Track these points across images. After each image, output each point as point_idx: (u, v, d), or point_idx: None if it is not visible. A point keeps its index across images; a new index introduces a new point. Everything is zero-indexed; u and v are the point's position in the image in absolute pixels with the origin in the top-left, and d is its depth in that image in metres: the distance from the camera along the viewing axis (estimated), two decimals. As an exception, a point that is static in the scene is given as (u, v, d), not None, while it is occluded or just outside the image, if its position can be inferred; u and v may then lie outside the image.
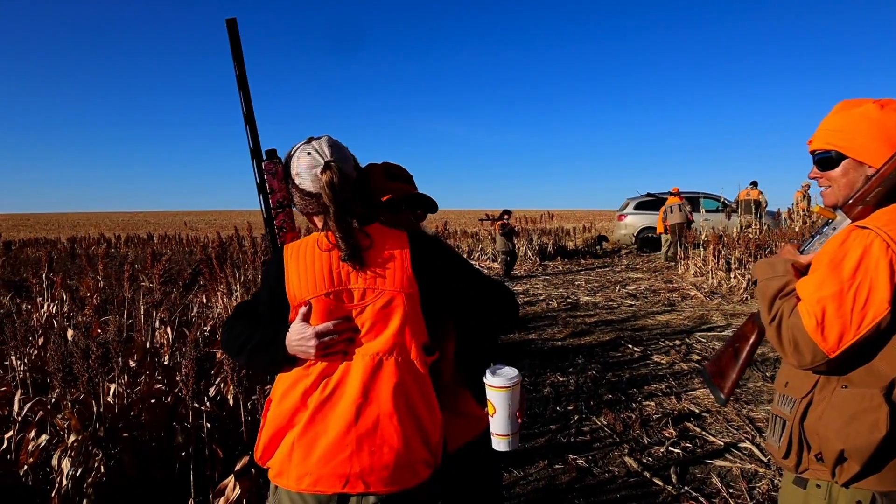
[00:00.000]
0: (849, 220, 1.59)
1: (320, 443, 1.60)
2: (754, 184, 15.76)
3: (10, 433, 3.29)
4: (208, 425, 3.27)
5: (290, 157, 1.73)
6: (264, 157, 1.85)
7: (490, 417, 1.71)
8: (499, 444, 1.72)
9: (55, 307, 5.78)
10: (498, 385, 1.67)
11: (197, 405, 2.90)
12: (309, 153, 1.67)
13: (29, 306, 5.70)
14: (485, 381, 1.70)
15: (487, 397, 1.70)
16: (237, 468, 3.01)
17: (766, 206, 15.71)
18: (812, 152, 1.70)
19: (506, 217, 14.05)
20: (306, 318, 1.62)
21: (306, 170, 1.67)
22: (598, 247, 19.61)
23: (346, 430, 1.59)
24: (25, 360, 3.73)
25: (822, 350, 1.43)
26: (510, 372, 1.70)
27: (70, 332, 4.08)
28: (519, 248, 16.65)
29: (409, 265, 1.62)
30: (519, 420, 1.72)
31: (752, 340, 1.80)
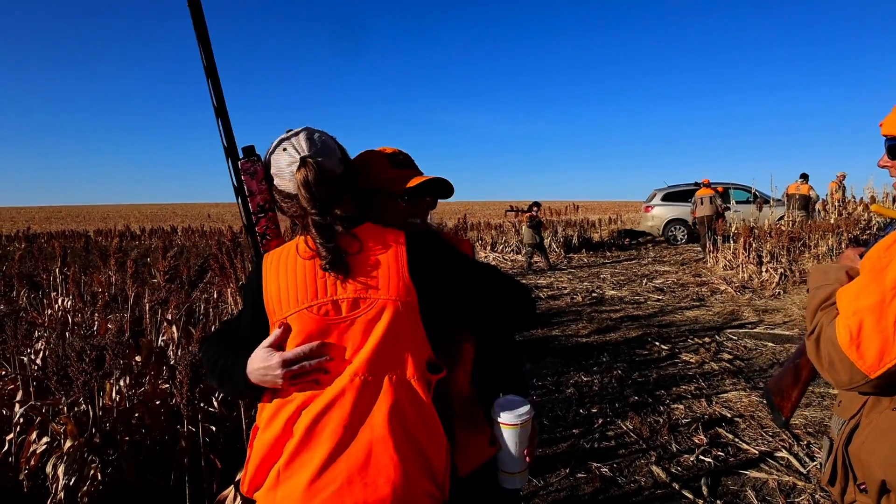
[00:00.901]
0: None
1: (305, 474, 1.37)
2: (804, 177, 14.98)
3: (11, 435, 3.19)
4: (211, 430, 3.12)
5: (269, 154, 1.54)
6: (240, 156, 1.65)
7: (497, 452, 1.54)
8: (505, 480, 1.54)
9: (69, 302, 5.70)
10: (506, 422, 1.49)
11: (193, 412, 2.72)
12: (285, 149, 1.48)
13: (45, 301, 5.61)
14: (492, 415, 1.52)
15: (494, 432, 1.53)
16: (238, 478, 2.86)
17: (818, 200, 14.90)
18: (884, 137, 1.48)
19: (535, 209, 13.82)
20: (281, 339, 1.41)
21: (285, 168, 1.47)
22: (625, 239, 19.25)
23: (335, 460, 1.37)
24: (27, 360, 3.61)
25: (859, 369, 1.24)
26: (521, 407, 1.52)
27: (70, 332, 3.95)
28: (543, 241, 16.42)
29: (405, 270, 1.39)
30: (528, 459, 1.53)
31: (811, 370, 1.61)
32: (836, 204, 13.77)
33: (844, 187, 14.40)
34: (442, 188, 1.69)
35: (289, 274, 1.44)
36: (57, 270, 6.03)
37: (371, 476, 1.35)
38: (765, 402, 1.70)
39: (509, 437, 1.50)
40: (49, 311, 5.20)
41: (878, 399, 1.33)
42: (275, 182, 1.51)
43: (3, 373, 3.76)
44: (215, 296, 4.32)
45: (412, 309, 1.39)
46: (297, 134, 1.50)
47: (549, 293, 10.33)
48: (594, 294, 10.14)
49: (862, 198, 14.66)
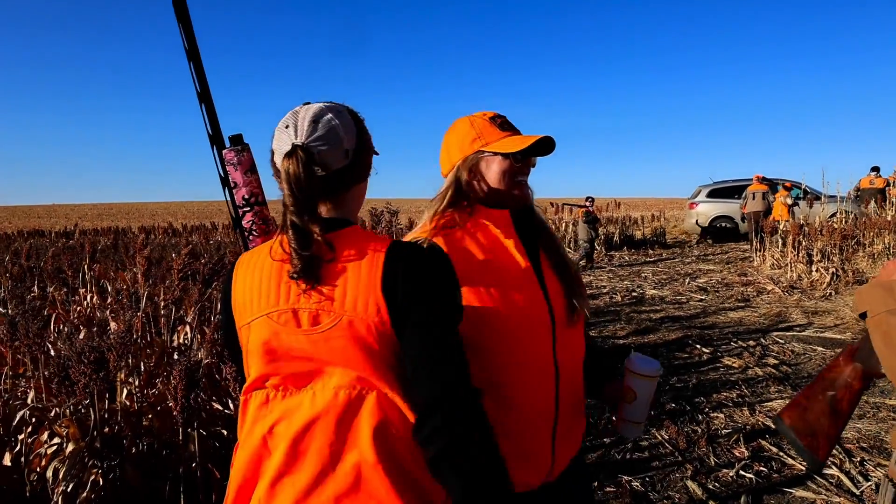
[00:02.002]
0: None
1: (289, 498, 1.22)
2: (876, 169, 14.10)
3: (23, 435, 3.12)
4: (215, 436, 3.00)
5: (276, 129, 1.35)
6: (226, 144, 1.53)
7: (626, 404, 1.63)
8: (631, 430, 1.65)
9: (92, 300, 5.68)
10: (647, 373, 1.59)
11: (189, 418, 2.58)
12: (287, 127, 1.30)
13: (76, 298, 5.61)
14: (630, 367, 1.62)
15: (629, 384, 1.62)
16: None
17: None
18: None
19: (588, 204, 13.52)
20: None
21: (280, 150, 1.29)
22: (662, 238, 18.74)
23: (321, 483, 1.21)
24: (42, 358, 3.54)
25: None
26: (655, 363, 1.63)
27: (83, 331, 3.88)
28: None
29: (378, 285, 1.20)
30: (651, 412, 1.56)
31: (856, 389, 1.35)
32: (894, 200, 13.10)
33: (862, 188, 13.69)
34: (546, 147, 1.60)
35: (255, 276, 1.30)
36: (86, 267, 6.03)
37: (362, 501, 1.19)
38: (784, 438, 1.45)
39: (646, 388, 1.60)
40: (78, 308, 5.19)
41: None
42: (274, 158, 1.34)
43: (21, 371, 3.72)
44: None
45: (384, 326, 1.20)
46: (307, 111, 1.30)
47: (589, 292, 10.03)
48: (634, 293, 9.83)
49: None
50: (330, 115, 1.29)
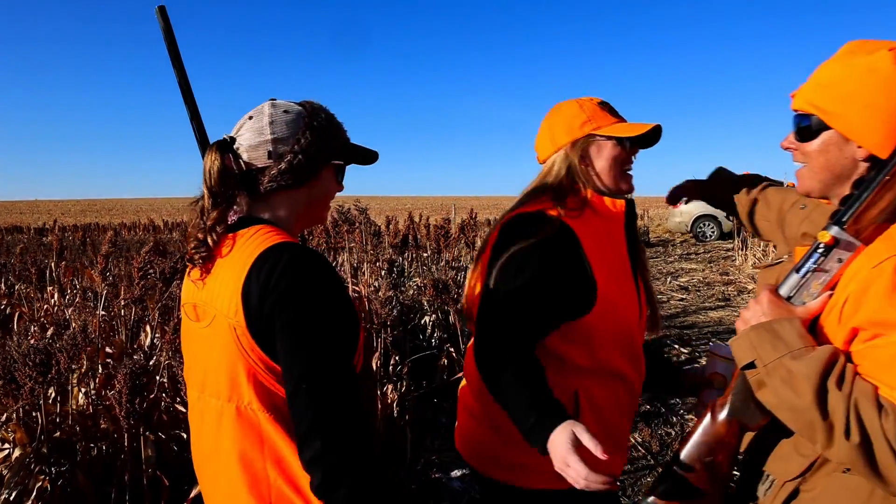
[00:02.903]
0: (855, 242, 1.05)
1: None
2: None
3: (-25, 440, 3.00)
4: (164, 442, 2.90)
5: None
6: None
7: (712, 390, 1.60)
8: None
9: (68, 297, 5.55)
10: (730, 356, 1.41)
11: (134, 423, 2.48)
12: (251, 117, 1.30)
13: (42, 296, 5.47)
14: (718, 352, 1.62)
15: (716, 369, 1.62)
16: (192, 495, 2.62)
17: None
18: (794, 112, 1.18)
19: None
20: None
21: None
22: (646, 236, 18.74)
23: (209, 494, 1.30)
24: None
25: None
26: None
27: (50, 329, 3.76)
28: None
29: (239, 286, 1.14)
30: None
31: (735, 447, 1.23)
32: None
33: None
34: (653, 138, 1.60)
35: (189, 269, 1.32)
36: (52, 264, 5.89)
37: None
38: None
39: (730, 371, 1.53)
40: (45, 307, 5.06)
41: (827, 459, 1.04)
42: None
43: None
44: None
45: (243, 331, 1.15)
46: (259, 107, 1.30)
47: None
48: (615, 292, 9.78)
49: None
50: (269, 113, 1.27)
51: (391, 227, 7.91)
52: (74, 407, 3.08)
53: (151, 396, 3.07)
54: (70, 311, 4.23)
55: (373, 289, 4.01)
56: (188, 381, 1.32)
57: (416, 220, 8.01)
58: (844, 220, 1.06)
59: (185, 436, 3.15)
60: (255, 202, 1.28)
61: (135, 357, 3.33)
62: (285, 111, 1.27)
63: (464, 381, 1.77)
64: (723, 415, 1.22)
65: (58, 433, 2.88)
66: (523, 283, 1.43)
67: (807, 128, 1.15)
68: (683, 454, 1.26)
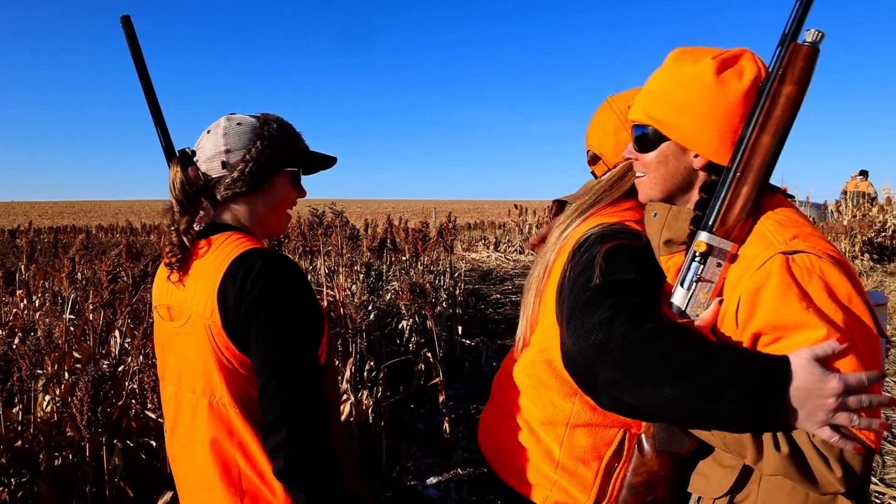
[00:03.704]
0: (728, 244, 1.07)
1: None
2: (864, 173, 14.05)
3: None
4: (131, 451, 2.82)
5: None
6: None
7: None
8: None
9: (38, 301, 5.44)
10: (882, 302, 1.33)
11: (95, 433, 2.41)
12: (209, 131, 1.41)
13: (14, 299, 5.35)
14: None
15: None
16: (160, 505, 2.55)
17: (876, 197, 13.70)
18: (631, 124, 1.21)
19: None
20: None
21: None
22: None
23: (183, 487, 1.41)
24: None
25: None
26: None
27: (19, 334, 3.66)
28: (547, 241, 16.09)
29: (215, 288, 1.26)
30: None
31: (673, 480, 1.18)
32: (850, 204, 13.32)
33: (848, 191, 13.90)
34: None
35: (161, 271, 1.44)
36: (22, 267, 5.77)
37: (206, 500, 1.33)
38: None
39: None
40: (15, 311, 4.94)
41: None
42: None
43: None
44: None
45: (218, 331, 1.27)
46: (217, 122, 1.41)
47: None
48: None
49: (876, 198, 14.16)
50: (224, 126, 1.38)
51: (369, 230, 7.86)
52: (39, 415, 3.00)
53: (120, 403, 3.00)
54: (38, 315, 4.13)
55: (348, 293, 3.96)
56: (162, 376, 1.43)
57: (396, 223, 7.97)
58: (711, 223, 1.08)
59: (154, 444, 3.08)
60: (218, 209, 1.39)
61: (103, 363, 3.26)
62: (238, 123, 1.37)
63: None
64: (651, 448, 1.18)
65: (19, 442, 2.80)
66: (635, 278, 1.14)
67: (644, 138, 1.17)
68: (622, 502, 1.22)
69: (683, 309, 1.10)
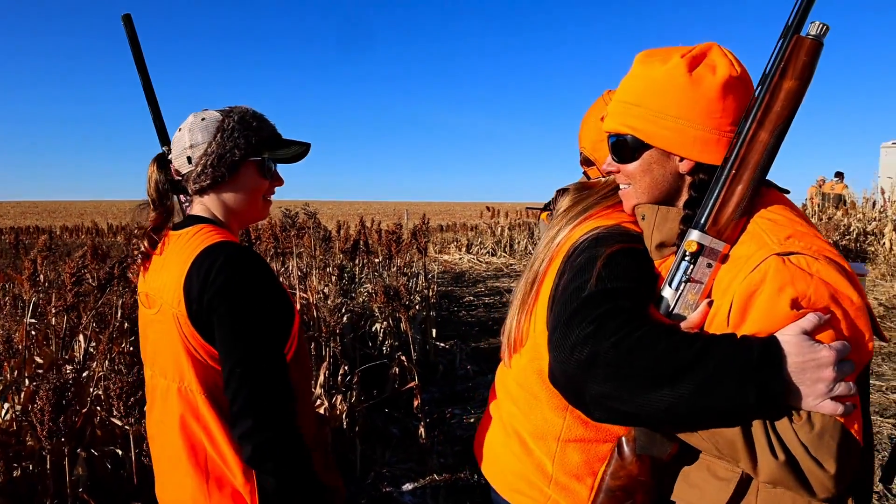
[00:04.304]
0: (719, 244, 1.04)
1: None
2: (840, 175, 14.29)
3: None
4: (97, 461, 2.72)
5: None
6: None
7: None
8: None
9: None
10: (862, 273, 1.18)
11: (56, 445, 2.31)
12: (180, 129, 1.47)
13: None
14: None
15: None
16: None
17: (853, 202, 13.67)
18: (607, 134, 1.18)
19: (552, 206, 13.54)
20: None
21: None
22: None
23: (160, 462, 1.45)
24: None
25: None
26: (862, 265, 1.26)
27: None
28: (518, 243, 16.12)
29: (182, 279, 1.31)
30: None
31: (653, 485, 1.13)
32: (816, 209, 13.56)
33: (823, 193, 14.16)
34: None
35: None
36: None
37: (175, 489, 1.38)
38: None
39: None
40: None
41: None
42: None
43: None
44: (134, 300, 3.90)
45: (185, 321, 1.32)
46: (188, 118, 1.46)
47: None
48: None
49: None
50: (190, 122, 1.43)
51: (342, 232, 7.77)
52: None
53: (84, 410, 2.89)
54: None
55: (321, 296, 3.88)
56: (144, 359, 1.49)
57: (369, 225, 7.90)
58: (703, 222, 1.04)
59: (120, 453, 2.98)
60: (192, 203, 1.46)
61: (66, 368, 3.14)
62: (202, 119, 1.41)
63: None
64: (631, 452, 1.13)
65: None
66: (630, 285, 1.09)
67: (624, 147, 1.13)
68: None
69: (671, 310, 1.06)
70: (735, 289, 0.97)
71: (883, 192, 12.77)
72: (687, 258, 1.04)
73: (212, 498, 1.32)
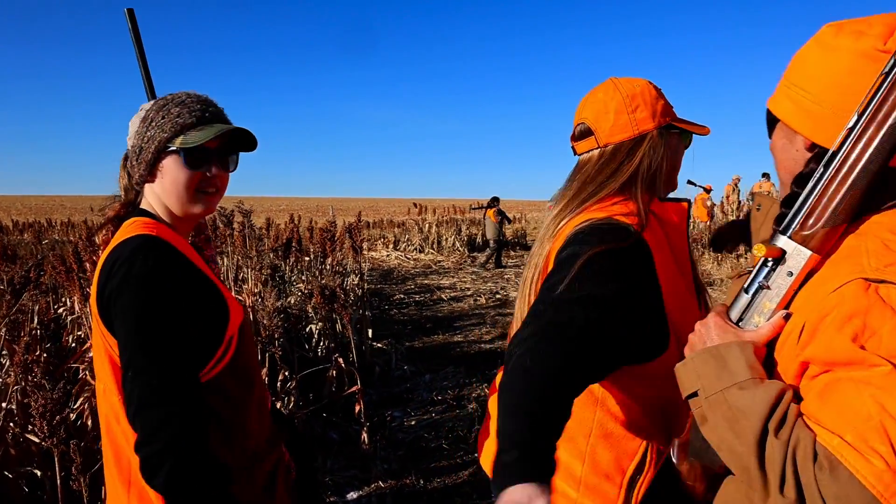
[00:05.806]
0: (805, 252, 0.88)
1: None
2: (766, 176, 14.96)
3: None
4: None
5: None
6: None
7: None
8: None
9: None
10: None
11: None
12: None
13: None
14: None
15: None
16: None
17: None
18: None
19: (496, 204, 13.62)
20: None
21: None
22: (524, 240, 19.17)
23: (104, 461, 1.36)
24: None
25: None
26: None
27: None
28: (447, 240, 16.11)
29: (97, 277, 1.24)
30: None
31: (702, 492, 1.05)
32: (732, 208, 14.10)
33: (739, 190, 14.77)
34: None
35: None
36: None
37: (110, 491, 1.30)
38: None
39: None
40: None
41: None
42: None
43: None
44: (52, 304, 3.62)
45: (98, 318, 1.24)
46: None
47: (452, 294, 9.97)
48: (498, 295, 9.84)
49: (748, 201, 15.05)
50: (147, 107, 1.36)
51: (272, 230, 7.51)
52: None
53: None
54: None
55: (258, 298, 3.70)
56: None
57: (296, 221, 7.68)
58: (791, 225, 0.90)
59: (38, 473, 2.74)
60: (141, 198, 1.39)
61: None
62: (143, 109, 1.36)
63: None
64: (684, 456, 1.06)
65: None
66: (604, 292, 1.07)
67: (771, 121, 1.02)
68: None
69: (740, 318, 0.95)
70: (812, 308, 0.85)
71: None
72: (769, 263, 0.92)
73: None
